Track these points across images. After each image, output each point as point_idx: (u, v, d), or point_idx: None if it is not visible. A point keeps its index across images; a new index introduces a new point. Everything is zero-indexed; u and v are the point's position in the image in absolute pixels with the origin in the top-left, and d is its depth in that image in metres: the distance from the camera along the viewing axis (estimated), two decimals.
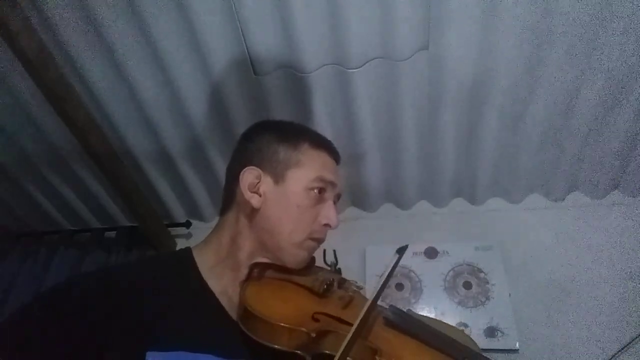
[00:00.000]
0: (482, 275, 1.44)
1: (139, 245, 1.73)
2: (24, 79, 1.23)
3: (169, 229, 1.74)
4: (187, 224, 1.73)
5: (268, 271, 0.77)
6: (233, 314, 0.72)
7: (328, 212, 0.78)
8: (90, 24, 1.15)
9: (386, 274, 0.77)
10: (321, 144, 0.82)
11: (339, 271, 1.41)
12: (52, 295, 0.68)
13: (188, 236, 1.77)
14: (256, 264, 0.77)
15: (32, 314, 0.64)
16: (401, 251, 0.81)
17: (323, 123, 1.34)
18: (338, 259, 1.37)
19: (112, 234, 1.80)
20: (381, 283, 0.75)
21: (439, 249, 1.51)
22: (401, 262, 1.47)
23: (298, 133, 0.82)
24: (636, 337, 1.29)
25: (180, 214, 1.77)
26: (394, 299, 1.44)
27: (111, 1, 1.11)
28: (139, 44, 1.19)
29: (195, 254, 0.77)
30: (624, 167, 1.43)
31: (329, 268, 1.31)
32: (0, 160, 1.61)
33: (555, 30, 1.10)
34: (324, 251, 1.32)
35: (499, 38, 1.12)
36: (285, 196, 0.77)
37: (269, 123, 0.89)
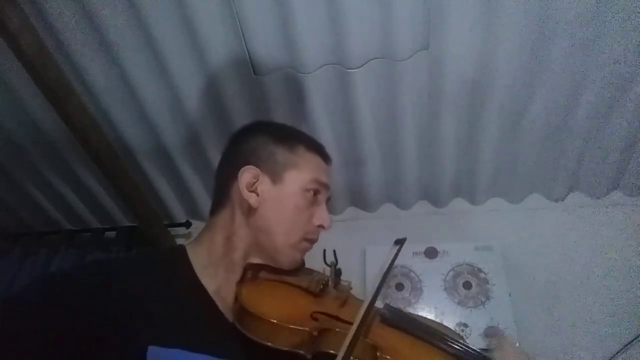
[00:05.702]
0: (482, 275, 1.44)
1: (139, 245, 1.73)
2: (24, 79, 1.22)
3: (169, 229, 1.74)
4: (187, 224, 1.73)
5: (262, 272, 0.78)
6: (227, 313, 0.72)
7: (322, 213, 0.81)
8: (90, 24, 1.15)
9: (385, 267, 0.77)
10: (315, 147, 0.84)
11: (339, 271, 1.41)
12: (48, 283, 0.65)
13: (188, 236, 1.77)
14: (250, 265, 0.77)
15: (27, 301, 0.61)
16: (399, 242, 0.82)
17: (323, 123, 1.34)
18: (338, 259, 1.36)
19: (112, 234, 1.80)
20: (381, 277, 0.76)
21: (439, 249, 1.51)
22: (401, 262, 1.49)
23: (293, 136, 0.84)
24: (636, 337, 1.29)
25: (180, 214, 1.77)
26: (394, 299, 1.44)
27: (111, 1, 1.11)
28: (139, 43, 1.19)
29: (189, 252, 0.77)
30: (624, 167, 1.43)
31: (329, 268, 1.31)
32: (0, 160, 1.61)
33: (555, 30, 1.11)
34: (324, 251, 1.32)
35: (499, 38, 1.12)
36: (282, 196, 0.78)
37: (262, 124, 0.90)
